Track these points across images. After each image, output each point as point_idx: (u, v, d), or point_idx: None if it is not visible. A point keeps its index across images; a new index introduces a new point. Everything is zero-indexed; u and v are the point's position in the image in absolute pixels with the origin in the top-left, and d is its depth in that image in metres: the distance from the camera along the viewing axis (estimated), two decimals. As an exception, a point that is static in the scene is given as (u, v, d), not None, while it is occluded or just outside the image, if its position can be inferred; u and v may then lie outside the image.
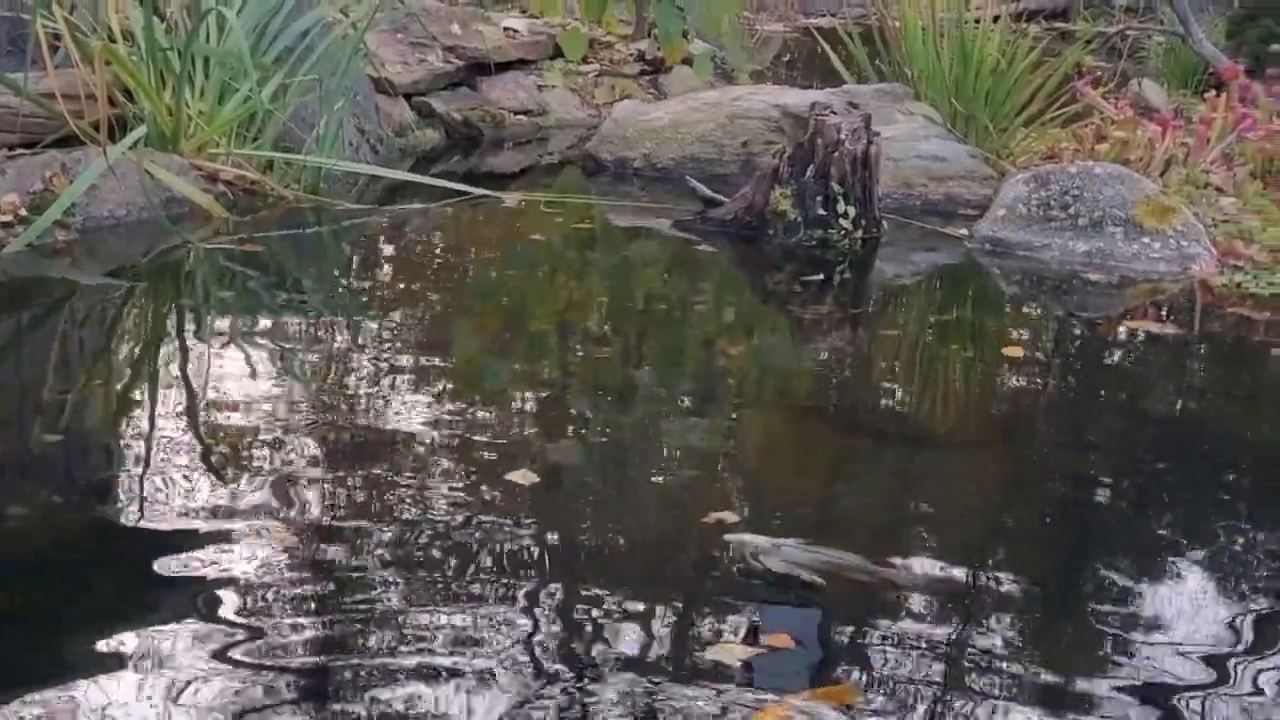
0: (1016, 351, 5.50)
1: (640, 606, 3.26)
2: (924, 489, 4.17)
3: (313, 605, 3.18)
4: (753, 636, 3.13)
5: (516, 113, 9.50)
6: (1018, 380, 5.15)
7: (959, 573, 3.53)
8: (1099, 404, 4.98)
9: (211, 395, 4.49)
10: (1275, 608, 3.44)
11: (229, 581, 3.25)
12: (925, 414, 4.83)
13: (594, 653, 3.04)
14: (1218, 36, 11.38)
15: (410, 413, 4.42)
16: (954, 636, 3.20)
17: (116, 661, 2.88)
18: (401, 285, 6.13)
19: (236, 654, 2.93)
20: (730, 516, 3.70)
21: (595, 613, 3.22)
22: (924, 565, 3.58)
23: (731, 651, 3.05)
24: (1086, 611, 3.38)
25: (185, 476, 3.83)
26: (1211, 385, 5.37)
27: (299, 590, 3.24)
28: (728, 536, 3.57)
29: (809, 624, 3.25)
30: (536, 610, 3.21)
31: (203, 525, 3.53)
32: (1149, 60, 12.14)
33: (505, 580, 3.34)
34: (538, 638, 3.08)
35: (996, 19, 8.39)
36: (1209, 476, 4.33)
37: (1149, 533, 3.87)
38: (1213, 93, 8.94)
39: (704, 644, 3.09)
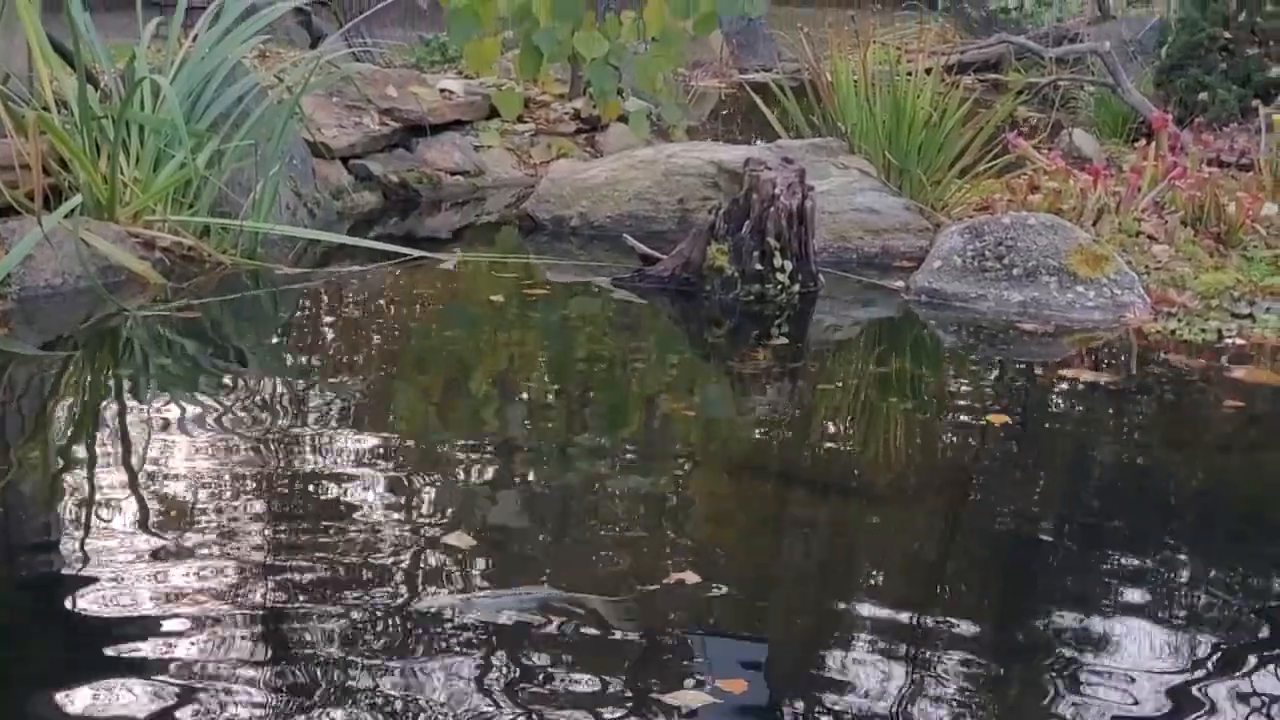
0: (955, 403, 5.53)
1: (582, 673, 3.26)
2: (864, 543, 4.19)
3: (250, 669, 3.17)
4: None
5: (453, 173, 9.51)
6: (957, 432, 5.18)
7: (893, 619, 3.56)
8: (1038, 454, 5.02)
9: (150, 466, 4.47)
10: (1218, 665, 3.47)
11: (168, 651, 3.23)
12: (866, 468, 4.84)
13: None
14: (1146, 86, 11.50)
15: (349, 476, 4.41)
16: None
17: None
18: (340, 349, 6.12)
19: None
20: (691, 576, 3.71)
21: (536, 678, 3.22)
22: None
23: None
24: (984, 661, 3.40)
25: (124, 548, 3.81)
26: (1149, 433, 5.41)
27: (236, 654, 3.23)
28: (416, 605, 3.55)
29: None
30: (472, 675, 3.21)
31: (143, 598, 3.52)
32: (1080, 110, 12.27)
33: (441, 642, 3.34)
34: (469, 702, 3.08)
35: (929, 72, 8.45)
36: (1150, 525, 4.36)
37: (1088, 584, 3.89)
38: (1143, 141, 9.04)
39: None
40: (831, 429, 5.26)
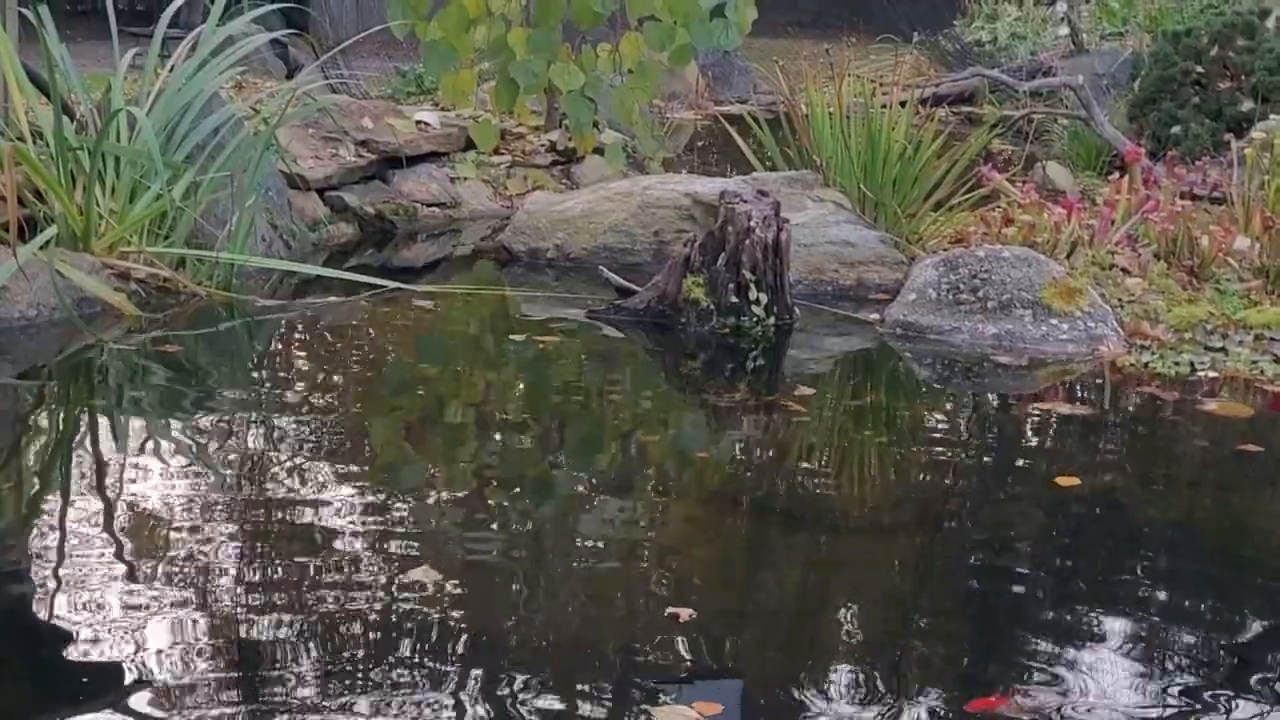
0: (930, 435, 5.54)
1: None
2: (839, 576, 4.20)
3: (218, 704, 3.17)
4: None
5: (429, 205, 9.50)
6: (932, 464, 5.19)
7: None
8: (1012, 486, 5.03)
9: (123, 499, 4.47)
10: (1190, 695, 3.48)
11: (142, 685, 3.23)
12: (841, 500, 4.85)
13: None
14: (1119, 120, 11.55)
15: (320, 512, 4.41)
16: None
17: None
18: (315, 381, 6.12)
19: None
20: (686, 612, 3.72)
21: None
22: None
23: None
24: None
25: (96, 581, 3.80)
26: (1124, 465, 5.42)
27: (204, 691, 3.23)
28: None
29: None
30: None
31: (116, 630, 3.51)
32: (1054, 143, 12.31)
33: (409, 676, 3.35)
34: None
35: (904, 105, 8.49)
36: (1118, 560, 4.38)
37: (1060, 620, 3.90)
38: (1116, 175, 9.07)
39: None
40: (806, 462, 5.26)
